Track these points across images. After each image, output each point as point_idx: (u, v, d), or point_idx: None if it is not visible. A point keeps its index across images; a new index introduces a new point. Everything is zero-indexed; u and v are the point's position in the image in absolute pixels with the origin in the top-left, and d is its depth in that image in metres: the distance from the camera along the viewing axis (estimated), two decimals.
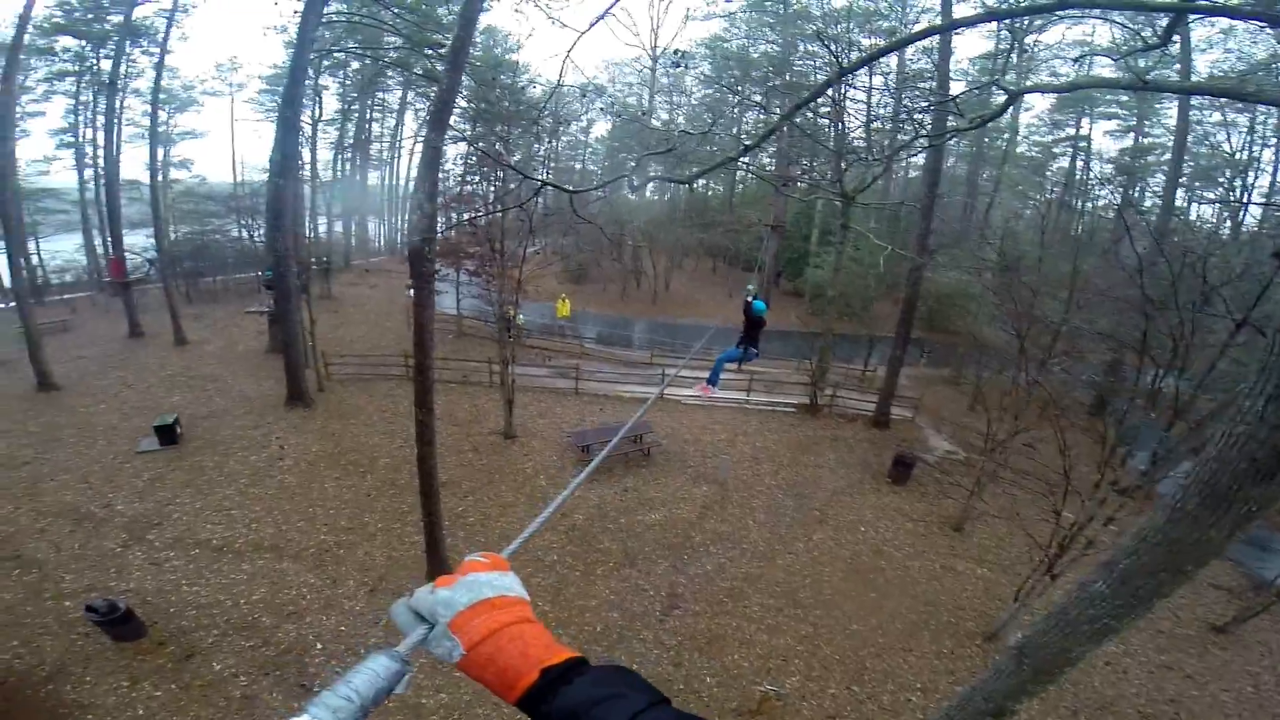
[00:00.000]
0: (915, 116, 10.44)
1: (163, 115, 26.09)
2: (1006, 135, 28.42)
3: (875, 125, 17.30)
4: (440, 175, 8.32)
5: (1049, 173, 35.29)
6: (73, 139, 28.04)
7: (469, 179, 21.01)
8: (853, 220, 16.43)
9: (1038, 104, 35.02)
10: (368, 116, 37.06)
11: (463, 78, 8.66)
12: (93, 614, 7.95)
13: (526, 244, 13.88)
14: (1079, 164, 33.51)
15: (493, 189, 17.02)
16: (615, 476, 13.73)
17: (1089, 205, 33.80)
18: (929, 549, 11.95)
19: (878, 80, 24.50)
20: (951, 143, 32.05)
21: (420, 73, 21.67)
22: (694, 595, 10.21)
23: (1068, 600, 3.65)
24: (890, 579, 11.00)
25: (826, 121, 17.29)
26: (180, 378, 17.48)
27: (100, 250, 28.99)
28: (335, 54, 23.61)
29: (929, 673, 8.97)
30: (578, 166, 45.01)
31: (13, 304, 17.08)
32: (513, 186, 14.62)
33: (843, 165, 15.10)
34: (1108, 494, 8.32)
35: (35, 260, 27.49)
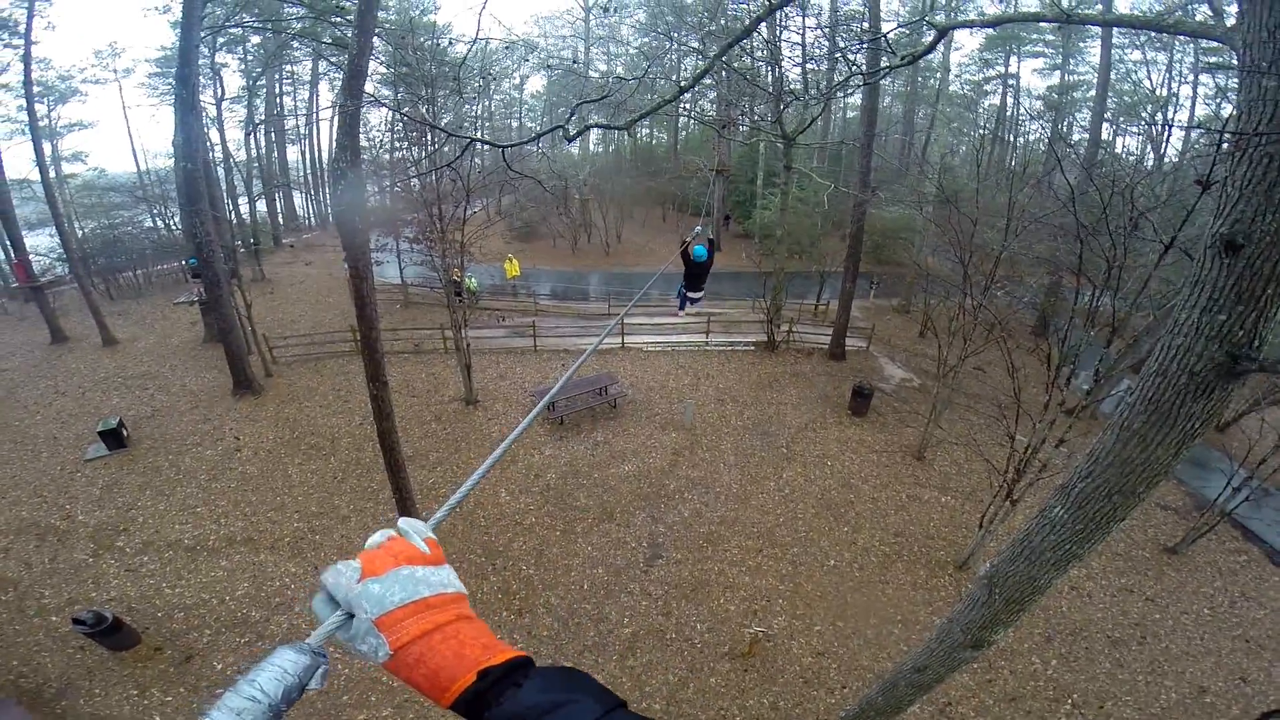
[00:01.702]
0: (849, 56, 10.40)
1: (41, 109, 23.68)
2: (939, 74, 28.91)
3: (810, 66, 17.19)
4: (364, 143, 7.86)
5: (981, 109, 36.44)
6: None
7: (397, 146, 19.97)
8: (795, 160, 16.47)
9: (967, 43, 35.87)
10: (277, 91, 34.59)
11: (374, 41, 8.09)
12: (81, 626, 7.83)
13: (466, 206, 13.39)
14: (1009, 100, 34.65)
15: (425, 154, 16.19)
16: (584, 432, 13.79)
17: (1021, 140, 35.27)
18: (894, 480, 12.47)
19: (811, 21, 24.22)
20: (886, 82, 32.47)
21: (329, 41, 20.10)
22: (674, 544, 10.50)
23: (1030, 527, 3.72)
24: (860, 512, 11.47)
25: (764, 65, 17.10)
26: (115, 379, 16.48)
27: (0, 256, 26.72)
28: (230, 30, 21.66)
29: (907, 604, 9.44)
30: (514, 124, 43.38)
31: None
32: (446, 149, 13.98)
33: (781, 106, 15.06)
34: (1056, 415, 8.77)
35: None
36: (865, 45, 12.04)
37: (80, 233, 26.42)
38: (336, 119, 7.57)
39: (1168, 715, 7.91)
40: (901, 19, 25.62)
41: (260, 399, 15.11)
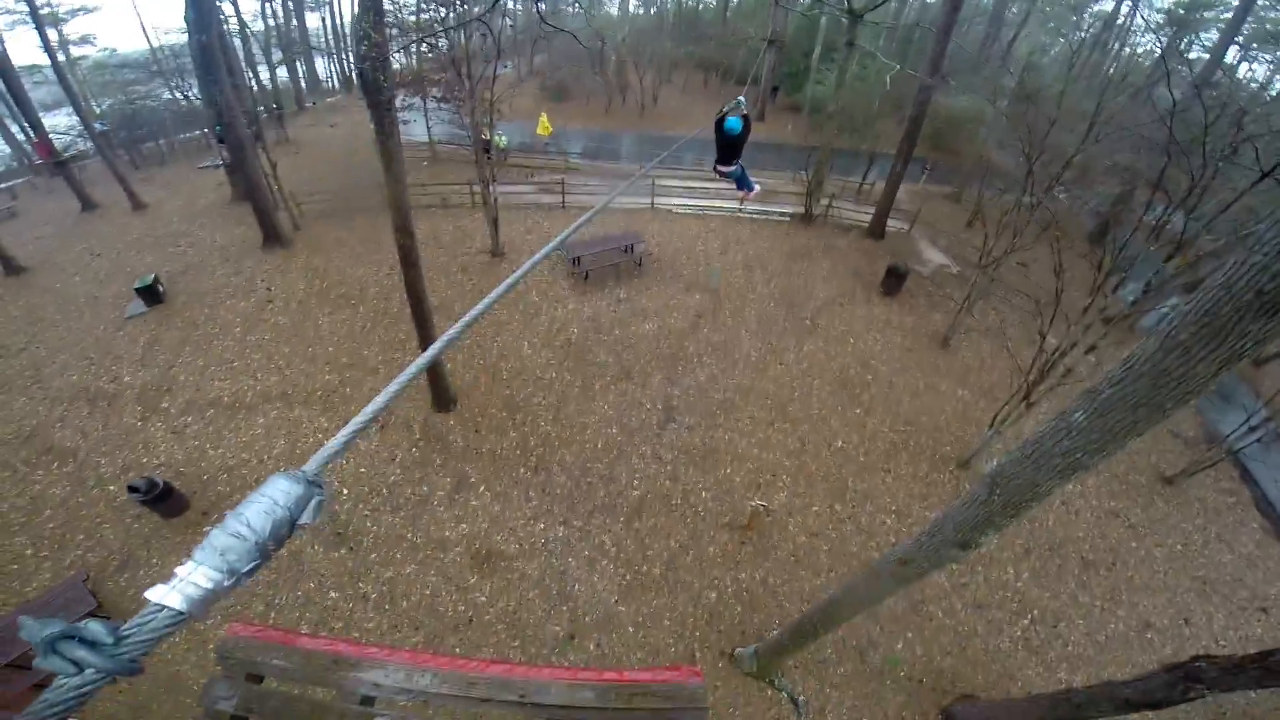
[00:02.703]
0: None
1: None
2: None
3: None
4: (388, 4, 7.34)
5: (1088, 14, 32.19)
6: None
7: (424, 6, 18.64)
8: (861, 38, 14.97)
9: None
10: None
11: None
12: (136, 494, 8.14)
13: (495, 65, 12.70)
14: (1125, 7, 30.49)
15: (453, 13, 15.15)
16: (608, 288, 13.78)
17: (1126, 50, 31.46)
18: (914, 365, 12.24)
19: None
20: None
21: None
22: (688, 408, 10.64)
23: (1044, 430, 3.58)
24: (875, 395, 11.37)
25: None
26: (147, 239, 16.81)
27: (22, 136, 26.84)
28: None
29: (904, 496, 9.52)
30: None
31: None
32: (474, 7, 13.11)
33: None
34: (1094, 320, 8.31)
35: None
36: None
37: (97, 110, 26.34)
38: None
39: (1109, 644, 8.03)
40: None
41: (289, 251, 15.36)
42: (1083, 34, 30.05)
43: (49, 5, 25.06)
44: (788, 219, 18.00)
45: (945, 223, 19.35)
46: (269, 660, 2.57)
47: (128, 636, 0.47)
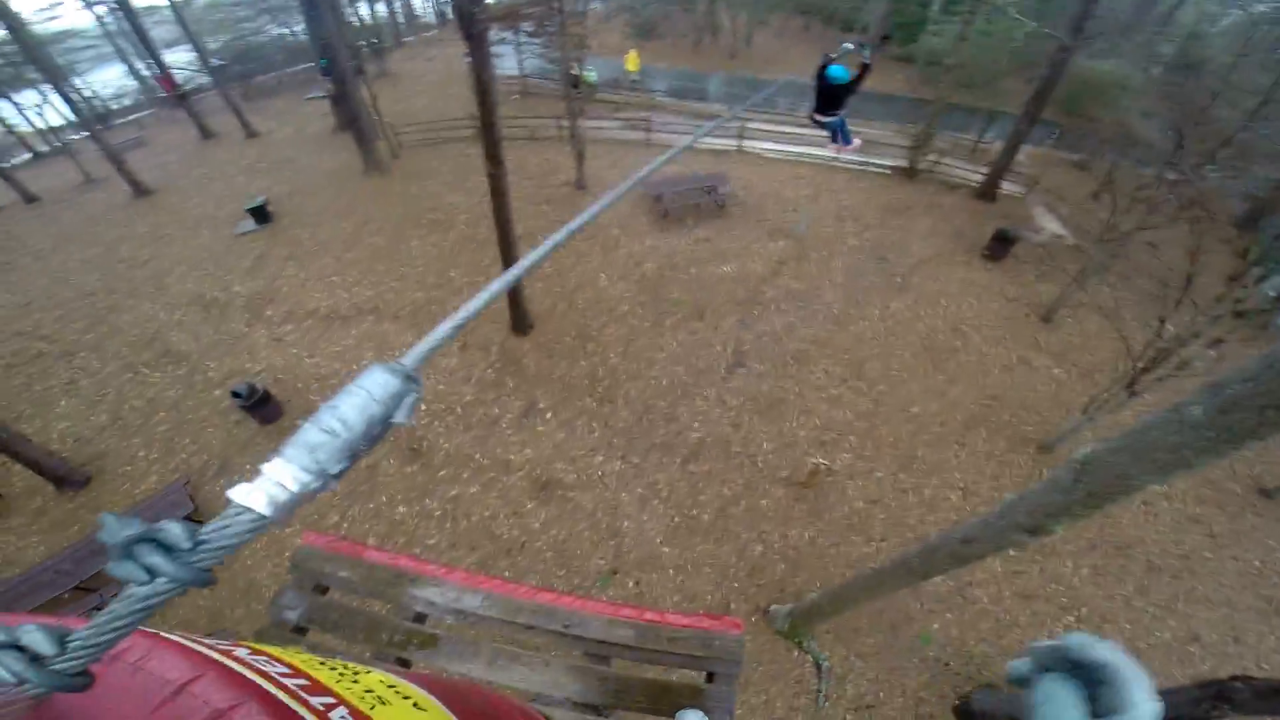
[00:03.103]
0: None
1: None
2: None
3: None
4: None
5: None
6: None
7: None
8: None
9: None
10: None
11: None
12: (238, 399, 8.57)
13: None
14: None
15: None
16: (688, 226, 13.61)
17: None
18: (1010, 336, 11.34)
19: None
20: None
21: None
22: (760, 355, 10.38)
23: (1151, 420, 3.17)
24: (962, 363, 10.65)
25: None
26: (258, 165, 18.10)
27: (147, 72, 29.25)
28: None
29: (974, 473, 8.93)
30: None
31: (86, 133, 17.80)
32: None
33: None
34: (1226, 311, 7.34)
35: (91, 93, 28.34)
36: None
37: (212, 45, 27.95)
38: None
39: (1150, 652, 7.31)
40: None
41: (387, 178, 16.10)
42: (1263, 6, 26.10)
43: None
44: (889, 172, 16.96)
45: (1068, 191, 17.59)
46: (336, 572, 2.73)
47: (205, 542, 0.44)
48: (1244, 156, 13.70)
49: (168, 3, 22.14)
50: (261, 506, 0.45)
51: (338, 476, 0.47)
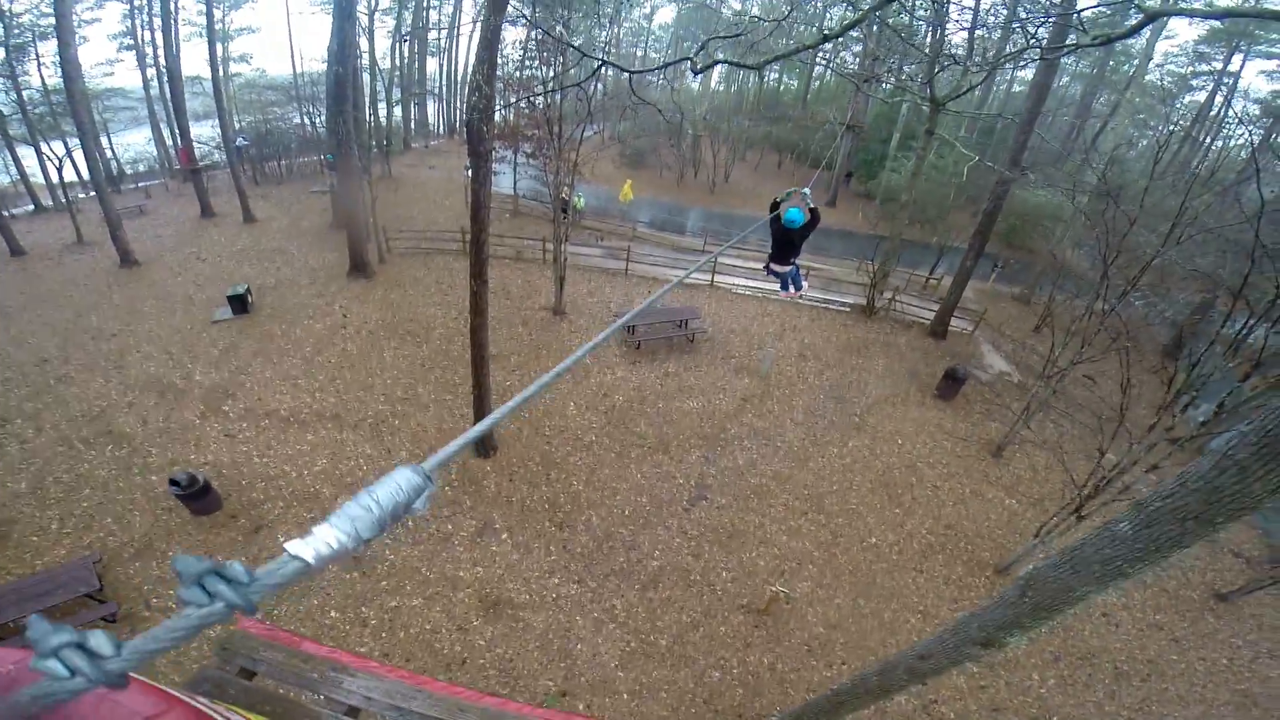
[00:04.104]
0: (1030, 28, 9.23)
1: (218, 13, 26.28)
2: (1137, 60, 25.11)
3: (980, 33, 15.25)
4: (499, 59, 8.07)
5: (1180, 105, 31.53)
6: (132, 41, 28.69)
7: (527, 63, 20.29)
8: (940, 127, 15.11)
9: (1183, 32, 30.40)
10: (425, 4, 35.90)
11: None
12: (175, 487, 8.43)
13: (584, 127, 13.59)
14: (1219, 99, 29.83)
15: (552, 72, 16.46)
16: (658, 361, 13.97)
17: (1219, 144, 30.28)
18: (963, 471, 11.85)
19: None
20: (1068, 61, 28.49)
21: None
22: (722, 488, 10.57)
23: (1086, 538, 3.58)
24: (917, 497, 11.03)
25: (924, 24, 15.51)
26: (249, 252, 18.37)
27: (169, 141, 30.41)
28: None
29: (934, 597, 9.16)
30: (639, 53, 42.95)
31: (93, 193, 18.08)
32: (571, 70, 14.11)
33: (936, 69, 13.70)
34: (1159, 439, 7.92)
35: (110, 153, 29.04)
36: (1052, 19, 10.59)
37: (237, 125, 29.10)
38: (477, 34, 7.82)
39: None
40: None
41: (371, 282, 16.42)
42: (1172, 126, 29.12)
43: (220, 23, 28.29)
44: (848, 309, 17.92)
45: (1011, 326, 18.87)
46: (269, 657, 2.67)
47: (258, 580, 0.56)
48: (1164, 282, 14.87)
49: (209, 75, 22.96)
50: (309, 557, 0.58)
51: (367, 542, 0.62)
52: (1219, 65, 29.72)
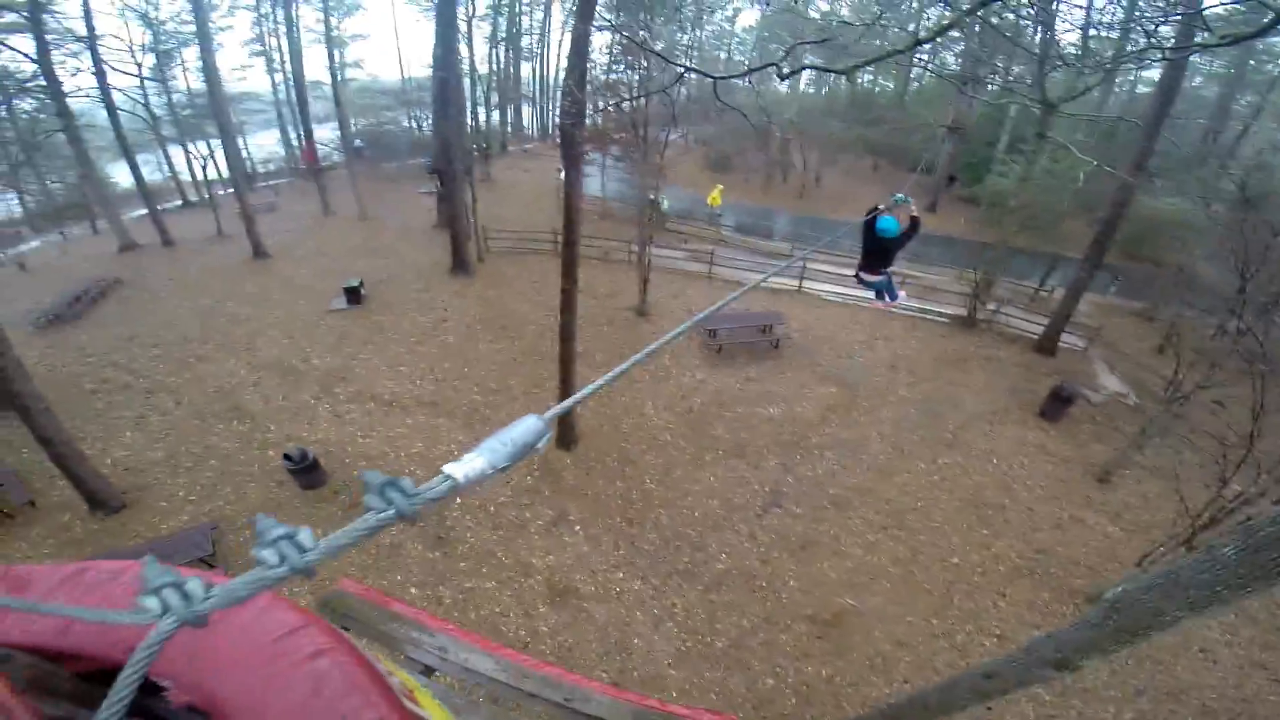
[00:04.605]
0: (1148, 27, 8.54)
1: (333, 21, 28.21)
2: None
3: (1093, 32, 14.08)
4: (588, 64, 8.43)
5: None
6: (261, 47, 31.50)
7: (614, 67, 20.79)
8: (1055, 130, 14.10)
9: None
10: (517, 10, 37.17)
11: None
12: (288, 461, 9.17)
13: (669, 130, 13.80)
14: None
15: (637, 76, 16.83)
16: (739, 365, 13.91)
17: None
18: (1062, 495, 11.01)
19: None
20: (1201, 61, 25.76)
21: None
22: (798, 497, 10.42)
23: (1184, 561, 3.38)
24: (1009, 519, 10.38)
25: (1030, 23, 14.52)
26: (363, 248, 20.05)
27: (295, 142, 33.29)
28: None
29: (1014, 621, 8.62)
30: (723, 56, 42.50)
31: (232, 190, 20.32)
32: (656, 74, 14.37)
33: (1046, 70, 12.84)
34: None
35: (245, 153, 32.05)
36: (1172, 18, 9.70)
37: (354, 127, 31.45)
38: (567, 39, 8.27)
39: None
40: None
41: (470, 280, 17.47)
42: None
43: (336, 29, 30.29)
44: (946, 320, 17.10)
45: (1130, 344, 17.27)
46: (363, 614, 2.94)
47: (420, 494, 0.69)
48: None
49: (328, 80, 25.36)
50: (460, 476, 0.72)
51: (504, 470, 0.76)
52: None
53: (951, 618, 8.61)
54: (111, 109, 20.78)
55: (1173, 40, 10.12)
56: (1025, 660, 4.06)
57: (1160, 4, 13.20)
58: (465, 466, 0.71)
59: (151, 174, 26.52)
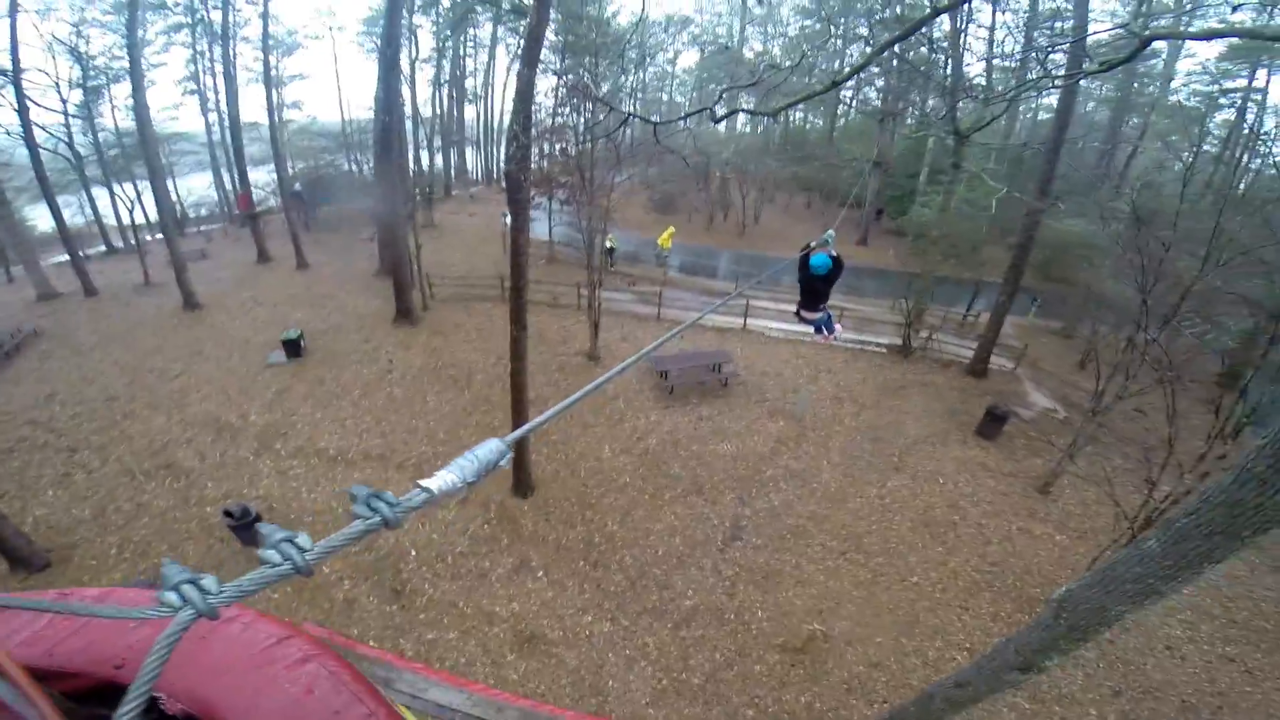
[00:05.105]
0: (1043, 56, 9.46)
1: (272, 60, 27.56)
2: (1158, 82, 24.87)
3: (996, 62, 15.48)
4: (533, 108, 8.57)
5: (1210, 125, 30.74)
6: (195, 86, 30.41)
7: (559, 111, 21.23)
8: (967, 159, 15.19)
9: (1202, 50, 30.00)
10: (461, 53, 37.39)
11: (550, 12, 8.64)
12: (229, 518, 8.97)
13: (615, 173, 14.08)
14: (1250, 117, 28.78)
15: (582, 121, 17.20)
16: (691, 405, 14.05)
17: (1257, 163, 29.19)
18: (1008, 509, 11.54)
19: (1007, 16, 21.63)
20: (1091, 85, 28.31)
21: (508, 8, 21.67)
22: (757, 529, 10.53)
23: (1116, 557, 3.66)
24: (961, 535, 10.77)
25: (941, 56, 15.79)
26: (302, 297, 19.40)
27: (229, 186, 32.15)
28: None
29: (980, 633, 8.90)
30: (664, 98, 44.25)
31: (161, 235, 19.38)
32: (601, 118, 14.74)
33: (956, 102, 13.90)
34: (1212, 468, 7.71)
35: (175, 197, 30.58)
36: (1058, 48, 10.76)
37: (291, 170, 30.43)
38: (511, 82, 8.42)
39: None
40: (1118, 18, 22.41)
41: (415, 329, 17.07)
42: (1205, 147, 27.49)
43: (275, 69, 29.23)
44: (884, 350, 17.80)
45: (1054, 362, 18.45)
46: None
47: (400, 504, 0.75)
48: (1208, 308, 14.33)
49: (266, 121, 24.37)
50: (434, 488, 0.78)
51: (471, 485, 0.82)
52: (1244, 81, 28.77)
53: (919, 635, 8.81)
54: (33, 147, 19.45)
55: (1064, 69, 11.18)
56: (991, 666, 4.22)
57: (1052, 37, 14.58)
58: (438, 481, 0.78)
59: (73, 217, 25.08)
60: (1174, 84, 27.45)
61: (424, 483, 0.78)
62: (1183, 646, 8.96)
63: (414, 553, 9.44)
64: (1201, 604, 9.60)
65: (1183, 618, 9.30)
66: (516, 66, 8.30)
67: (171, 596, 0.60)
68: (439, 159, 38.75)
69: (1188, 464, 8.22)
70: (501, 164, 39.21)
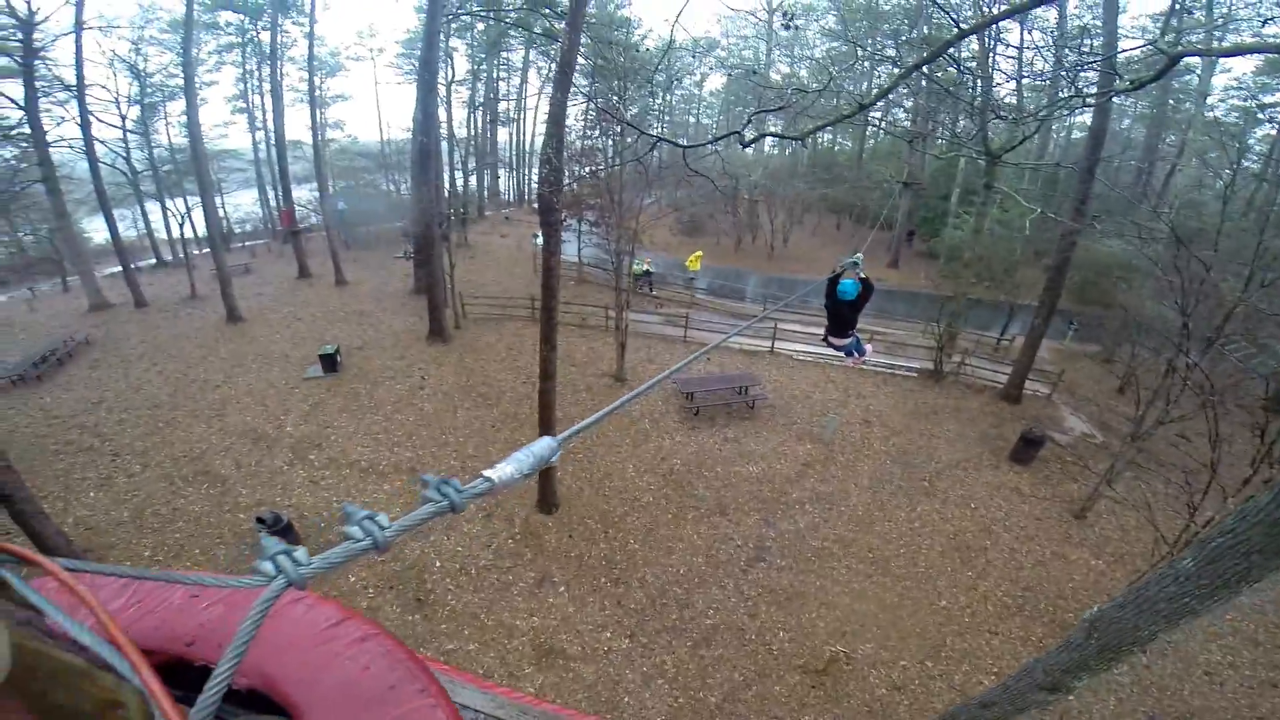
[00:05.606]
0: (1073, 75, 9.41)
1: (316, 80, 28.57)
2: (1194, 98, 24.29)
3: (1026, 82, 15.32)
4: (564, 132, 8.82)
5: (1250, 141, 29.68)
6: (244, 104, 31.91)
7: (589, 134, 21.64)
8: (999, 180, 14.98)
9: (1238, 65, 29.24)
10: (495, 76, 38.36)
11: (581, 37, 8.92)
12: (261, 525, 9.14)
13: (643, 196, 14.25)
14: None
15: (612, 143, 17.55)
16: (717, 425, 14.03)
17: None
18: (1042, 534, 11.24)
19: (1038, 35, 21.46)
20: (1126, 103, 27.86)
21: (540, 32, 22.34)
22: (781, 551, 10.44)
23: (1150, 577, 3.57)
24: (992, 560, 10.52)
25: (970, 76, 15.70)
26: (339, 313, 19.99)
27: (273, 203, 33.32)
28: (462, 16, 24.86)
29: (1010, 657, 8.67)
30: (692, 120, 44.67)
31: (208, 250, 20.16)
32: (630, 141, 14.99)
33: (986, 122, 13.81)
34: (1257, 493, 7.42)
35: (222, 213, 31.83)
36: (1089, 65, 10.65)
37: (332, 188, 31.23)
38: (544, 105, 8.70)
39: None
40: (1149, 34, 21.99)
41: (448, 346, 17.40)
42: (1246, 164, 26.04)
43: (319, 89, 30.65)
44: (915, 375, 17.52)
45: (1092, 388, 17.93)
46: None
47: (464, 492, 0.79)
48: (1254, 328, 13.70)
49: (310, 140, 25.42)
50: (495, 478, 0.84)
51: (527, 476, 0.89)
52: None
53: (946, 659, 8.62)
54: (93, 161, 20.56)
55: (1095, 87, 11.01)
56: (1019, 686, 4.15)
57: (1082, 54, 14.37)
58: (499, 471, 0.85)
59: (127, 230, 26.16)
60: (1210, 99, 26.70)
61: (487, 472, 0.85)
62: (1222, 672, 8.63)
63: (439, 564, 9.59)
64: (1244, 629, 9.24)
65: (1224, 643, 8.96)
66: (548, 90, 8.53)
67: (267, 566, 0.64)
68: (473, 180, 39.67)
69: (1231, 489, 7.92)
70: (533, 186, 40.04)
